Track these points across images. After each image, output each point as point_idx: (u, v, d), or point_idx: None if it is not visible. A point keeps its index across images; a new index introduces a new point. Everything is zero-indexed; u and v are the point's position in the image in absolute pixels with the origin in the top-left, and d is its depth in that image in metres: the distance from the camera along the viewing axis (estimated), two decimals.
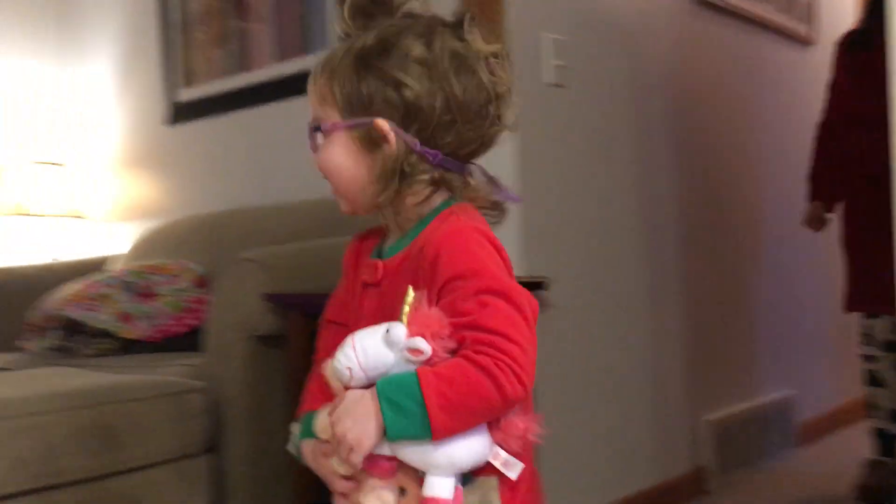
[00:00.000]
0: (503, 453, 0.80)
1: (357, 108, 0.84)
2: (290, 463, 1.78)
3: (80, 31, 3.98)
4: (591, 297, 2.06)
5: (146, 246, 3.22)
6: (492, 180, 0.90)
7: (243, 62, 3.27)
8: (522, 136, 1.86)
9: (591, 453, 2.05)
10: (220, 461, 1.86)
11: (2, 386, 1.75)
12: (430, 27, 0.84)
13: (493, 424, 0.80)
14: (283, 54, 3.13)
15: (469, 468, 0.80)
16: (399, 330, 0.78)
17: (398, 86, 0.82)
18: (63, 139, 3.98)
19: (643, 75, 2.47)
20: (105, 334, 2.58)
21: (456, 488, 0.79)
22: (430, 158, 0.84)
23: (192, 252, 2.93)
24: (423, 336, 0.76)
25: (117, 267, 3.19)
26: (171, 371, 2.00)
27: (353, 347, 0.80)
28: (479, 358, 0.77)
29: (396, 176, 0.84)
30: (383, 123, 0.84)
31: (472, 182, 0.88)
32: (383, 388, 0.78)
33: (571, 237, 2.00)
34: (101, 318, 2.57)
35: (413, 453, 0.79)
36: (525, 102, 1.87)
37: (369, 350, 0.79)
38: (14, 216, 3.67)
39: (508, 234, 1.84)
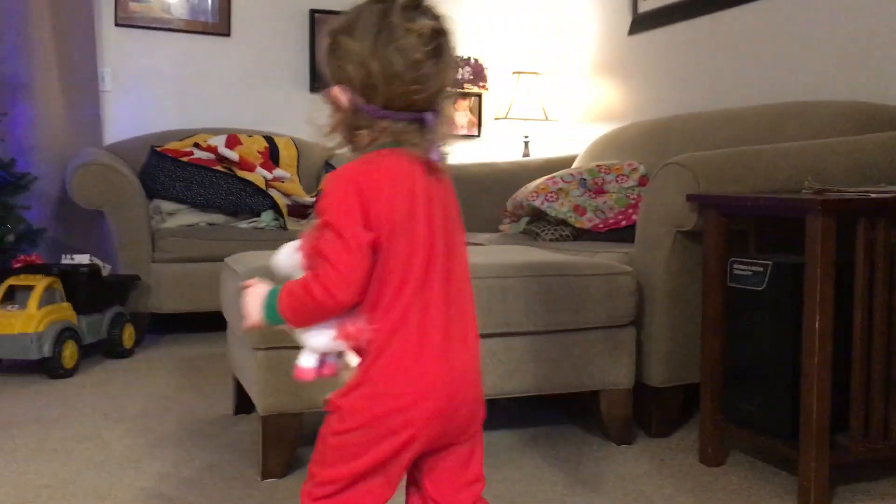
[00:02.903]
0: (339, 346, 1.10)
1: (333, 79, 1.12)
2: (701, 343, 2.02)
3: None
4: None
5: (602, 147, 3.60)
6: (424, 135, 1.10)
7: None
8: None
9: None
10: (642, 334, 2.17)
11: (477, 256, 2.26)
12: (371, 13, 1.08)
13: (337, 325, 1.09)
14: None
15: (323, 350, 1.12)
16: (296, 244, 1.12)
17: (342, 67, 1.10)
18: (540, 51, 4.51)
19: None
20: (562, 223, 3.02)
21: (328, 364, 1.13)
22: (369, 112, 1.09)
23: (641, 154, 3.22)
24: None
25: (576, 165, 3.63)
26: (608, 256, 2.34)
27: (279, 252, 1.16)
28: (307, 275, 1.07)
29: (347, 126, 1.12)
30: (335, 90, 1.11)
31: (402, 136, 1.09)
32: (270, 292, 1.11)
33: None
34: (560, 209, 3.02)
35: (297, 336, 1.13)
36: None
37: (282, 255, 1.15)
38: (500, 120, 4.33)
39: None
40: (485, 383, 2.02)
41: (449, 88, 1.13)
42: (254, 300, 1.13)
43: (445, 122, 1.13)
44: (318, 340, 1.11)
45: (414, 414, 1.08)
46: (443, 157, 1.12)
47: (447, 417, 1.10)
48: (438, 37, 1.08)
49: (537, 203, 3.05)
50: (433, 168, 1.12)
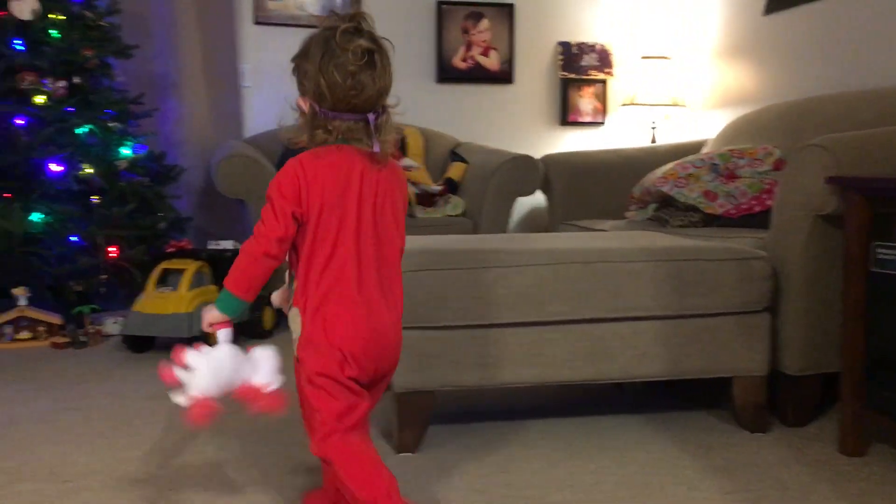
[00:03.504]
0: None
1: (299, 92, 1.45)
2: (841, 330, 1.95)
3: None
4: None
5: (734, 131, 3.50)
6: (370, 133, 1.42)
7: None
8: None
9: None
10: (777, 320, 2.11)
11: (604, 240, 2.26)
12: (319, 40, 1.40)
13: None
14: None
15: (205, 393, 1.38)
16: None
17: (302, 83, 1.43)
18: (669, 34, 4.42)
19: None
20: (692, 209, 2.97)
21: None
22: (323, 115, 1.41)
23: (777, 138, 3.12)
24: None
25: (706, 150, 3.55)
26: (741, 241, 2.29)
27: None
28: (246, 240, 1.42)
29: (308, 127, 1.43)
30: (299, 100, 1.44)
31: (348, 134, 1.42)
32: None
33: None
34: (689, 195, 2.96)
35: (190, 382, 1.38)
36: None
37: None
38: (626, 106, 4.28)
39: None
40: (613, 367, 2.05)
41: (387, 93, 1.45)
42: (209, 308, 1.46)
43: (389, 121, 1.45)
44: (197, 382, 1.38)
45: (350, 357, 1.40)
46: (384, 149, 1.43)
47: (376, 359, 1.44)
48: (371, 53, 1.39)
49: (666, 189, 3.01)
50: (376, 159, 1.44)
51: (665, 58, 4.25)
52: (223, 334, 1.43)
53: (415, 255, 1.96)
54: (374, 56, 1.40)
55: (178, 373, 1.37)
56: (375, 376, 1.46)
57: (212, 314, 1.43)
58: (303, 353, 1.41)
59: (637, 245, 2.11)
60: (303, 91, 1.43)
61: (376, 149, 1.41)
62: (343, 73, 1.37)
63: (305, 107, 1.43)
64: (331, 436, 1.39)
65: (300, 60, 1.43)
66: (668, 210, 3.05)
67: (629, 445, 2.02)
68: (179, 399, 1.38)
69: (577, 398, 2.41)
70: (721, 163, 3.03)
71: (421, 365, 1.96)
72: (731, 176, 2.99)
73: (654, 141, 4.26)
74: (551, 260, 2.00)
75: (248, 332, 3.25)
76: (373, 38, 1.40)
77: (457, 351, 1.97)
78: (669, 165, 3.15)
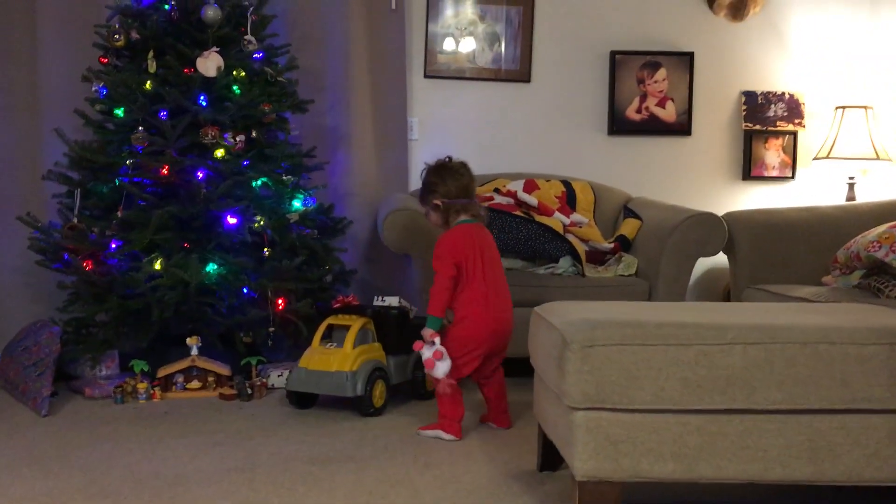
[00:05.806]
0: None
1: (432, 195, 2.77)
2: None
3: None
4: None
5: None
6: (477, 207, 2.77)
7: None
8: None
9: None
10: None
11: (820, 316, 1.97)
12: (438, 167, 2.79)
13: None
14: None
15: (439, 375, 2.56)
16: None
17: (436, 191, 2.75)
18: (868, 82, 4.04)
19: None
20: None
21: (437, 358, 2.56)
22: (448, 202, 2.72)
23: None
24: None
25: None
26: None
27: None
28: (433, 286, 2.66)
29: (444, 212, 2.74)
30: (434, 201, 2.75)
31: (467, 209, 2.73)
32: (428, 322, 2.63)
33: None
34: None
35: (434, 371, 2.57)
36: None
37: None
38: (820, 160, 3.91)
39: None
40: (836, 467, 1.74)
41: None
42: (424, 329, 2.59)
43: (480, 202, 2.86)
44: (441, 370, 2.53)
45: (479, 339, 2.61)
46: (484, 219, 2.74)
47: (496, 340, 2.63)
48: (466, 166, 2.75)
49: (880, 255, 2.67)
50: (482, 225, 2.71)
51: (867, 107, 3.86)
52: (437, 339, 2.53)
53: (612, 328, 1.76)
54: (467, 169, 2.74)
55: (433, 365, 2.53)
56: (492, 351, 2.64)
57: (427, 331, 2.56)
58: (452, 331, 2.63)
59: (865, 324, 1.82)
60: (433, 198, 2.72)
61: (481, 220, 2.73)
62: (459, 178, 2.71)
63: (438, 202, 2.71)
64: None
65: (433, 179, 2.73)
66: (881, 278, 2.70)
67: None
68: (437, 374, 2.54)
69: (790, 500, 2.10)
70: None
71: (607, 451, 1.75)
72: None
73: (851, 198, 3.86)
74: (764, 338, 1.74)
75: (411, 392, 3.12)
76: (462, 163, 2.75)
77: (650, 438, 1.74)
78: (882, 228, 2.80)
